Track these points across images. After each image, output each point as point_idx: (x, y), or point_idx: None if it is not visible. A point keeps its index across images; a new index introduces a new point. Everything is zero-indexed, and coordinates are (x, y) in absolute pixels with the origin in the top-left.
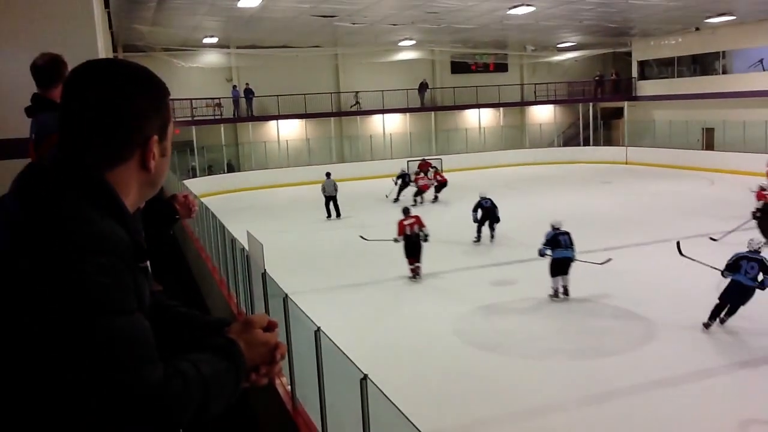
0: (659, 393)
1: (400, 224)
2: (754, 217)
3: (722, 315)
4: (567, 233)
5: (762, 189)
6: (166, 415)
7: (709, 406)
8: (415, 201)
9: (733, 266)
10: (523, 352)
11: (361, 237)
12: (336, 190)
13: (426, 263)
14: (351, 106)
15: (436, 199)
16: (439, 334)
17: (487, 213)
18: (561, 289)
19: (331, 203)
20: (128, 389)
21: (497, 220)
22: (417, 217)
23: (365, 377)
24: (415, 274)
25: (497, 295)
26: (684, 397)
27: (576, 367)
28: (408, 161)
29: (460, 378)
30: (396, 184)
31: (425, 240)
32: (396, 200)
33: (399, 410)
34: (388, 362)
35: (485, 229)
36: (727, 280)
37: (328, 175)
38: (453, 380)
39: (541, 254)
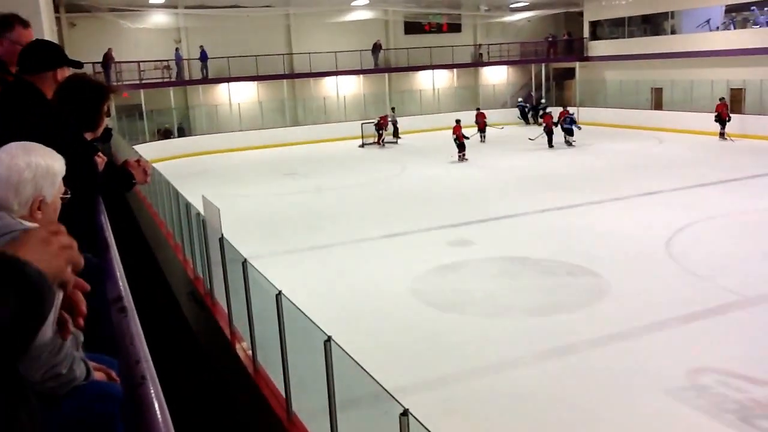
0: (616, 346)
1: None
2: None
3: None
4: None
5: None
6: None
7: (663, 357)
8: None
9: None
10: (480, 311)
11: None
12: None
13: (385, 224)
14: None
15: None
16: (399, 295)
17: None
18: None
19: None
20: None
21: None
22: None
23: (329, 339)
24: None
25: (454, 254)
26: (639, 350)
27: (533, 323)
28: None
29: (420, 337)
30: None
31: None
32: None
33: (363, 369)
34: (349, 324)
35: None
36: None
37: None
38: (413, 339)
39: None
